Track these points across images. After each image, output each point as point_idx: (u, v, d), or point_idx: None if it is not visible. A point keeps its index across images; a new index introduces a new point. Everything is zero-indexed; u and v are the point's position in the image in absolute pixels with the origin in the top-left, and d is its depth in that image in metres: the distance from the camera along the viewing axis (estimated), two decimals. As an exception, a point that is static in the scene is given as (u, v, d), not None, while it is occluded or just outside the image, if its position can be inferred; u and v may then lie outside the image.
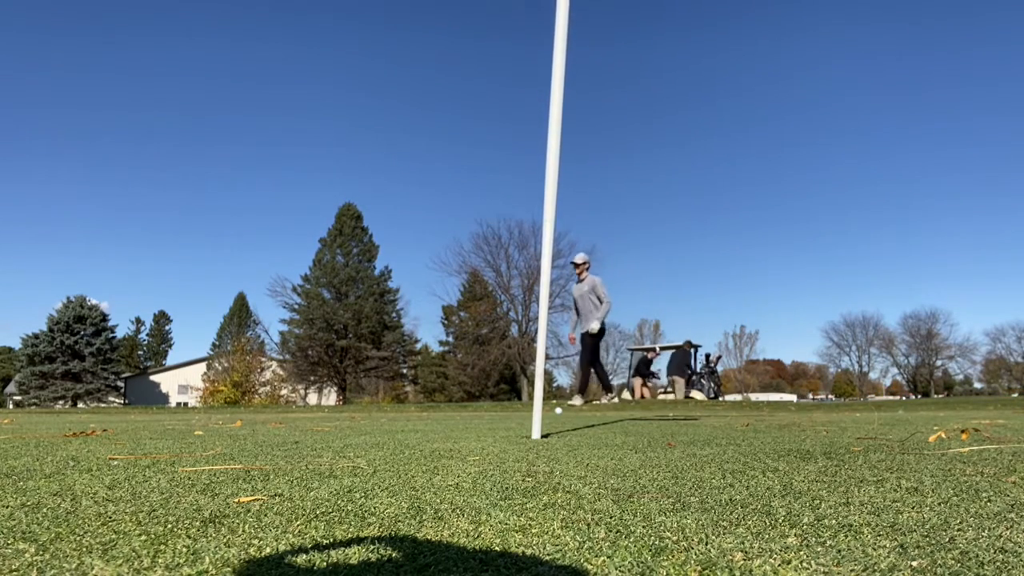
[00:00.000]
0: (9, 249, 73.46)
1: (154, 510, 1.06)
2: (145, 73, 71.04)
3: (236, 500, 1.15)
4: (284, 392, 34.85)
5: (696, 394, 18.90)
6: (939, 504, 1.08)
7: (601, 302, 8.90)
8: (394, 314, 40.60)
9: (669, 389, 20.94)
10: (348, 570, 0.73)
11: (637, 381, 17.21)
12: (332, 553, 0.80)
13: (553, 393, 44.17)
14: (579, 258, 8.98)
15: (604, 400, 9.23)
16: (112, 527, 0.94)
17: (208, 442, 2.40)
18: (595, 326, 8.63)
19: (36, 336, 41.67)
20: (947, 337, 65.49)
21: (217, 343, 62.36)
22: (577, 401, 9.22)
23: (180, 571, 0.73)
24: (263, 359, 35.56)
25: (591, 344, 8.96)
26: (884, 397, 57.09)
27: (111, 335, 44.24)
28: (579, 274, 8.94)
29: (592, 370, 8.92)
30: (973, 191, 78.33)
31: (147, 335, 73.37)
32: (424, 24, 76.91)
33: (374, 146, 75.07)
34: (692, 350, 22.56)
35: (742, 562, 0.75)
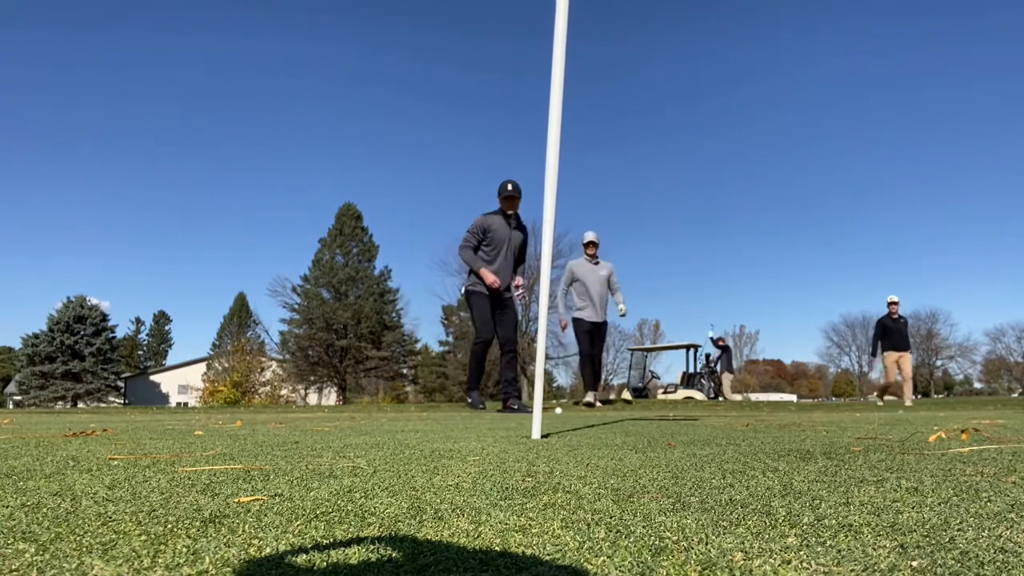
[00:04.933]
0: (9, 249, 73.44)
1: (154, 510, 1.06)
2: (144, 72, 71.00)
3: (236, 500, 1.15)
4: (284, 392, 34.84)
5: (696, 394, 18.86)
6: (939, 504, 1.08)
7: (618, 290, 8.04)
8: (394, 314, 40.62)
9: (670, 389, 20.92)
10: (348, 570, 0.73)
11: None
12: (332, 553, 0.80)
13: (553, 393, 44.16)
14: (595, 236, 7.91)
15: (590, 399, 8.20)
16: (112, 527, 0.94)
17: (208, 442, 2.40)
18: (623, 306, 7.92)
19: (36, 336, 41.68)
20: (947, 337, 65.56)
21: (217, 343, 62.39)
22: (591, 398, 8.09)
23: (180, 571, 0.73)
24: (263, 359, 35.58)
25: (603, 335, 8.13)
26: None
27: (111, 335, 44.26)
28: (591, 252, 7.84)
29: (591, 363, 8.10)
30: (973, 191, 78.34)
31: (147, 335, 73.38)
32: (424, 22, 76.89)
33: (374, 145, 75.12)
34: (691, 350, 22.54)
35: (742, 562, 0.75)
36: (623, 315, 7.94)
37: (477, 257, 6.39)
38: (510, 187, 6.34)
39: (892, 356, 10.53)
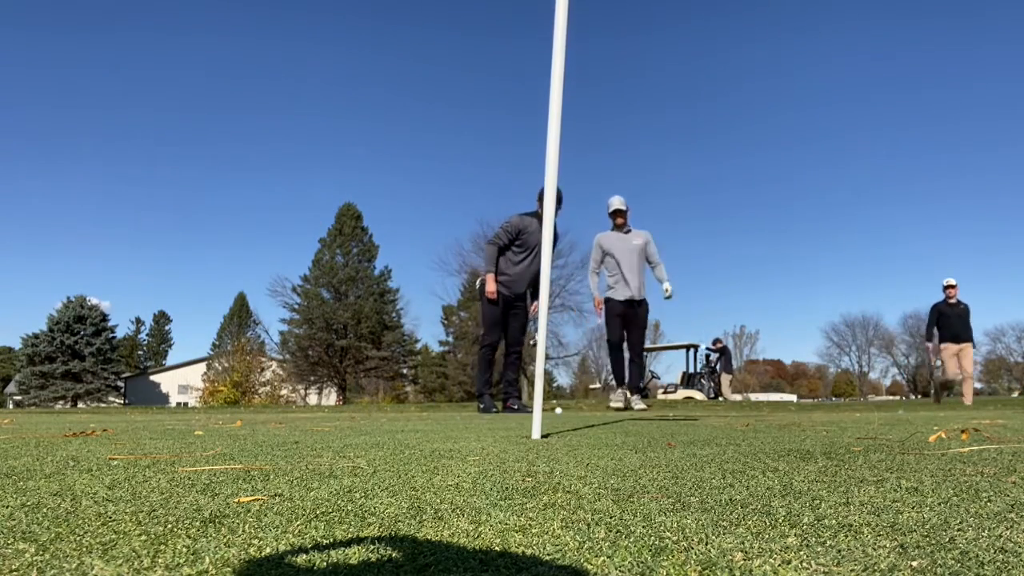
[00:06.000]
0: (9, 249, 73.51)
1: (154, 510, 1.06)
2: (144, 72, 71.06)
3: (236, 500, 1.15)
4: (284, 392, 34.84)
5: (696, 394, 18.87)
6: (939, 504, 1.08)
7: (657, 265, 6.65)
8: (394, 314, 40.63)
9: (670, 389, 20.94)
10: (348, 570, 0.73)
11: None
12: (332, 553, 0.80)
13: (553, 393, 44.17)
14: (622, 202, 6.63)
15: (618, 402, 6.88)
16: (112, 527, 0.94)
17: (208, 442, 2.40)
18: (668, 286, 6.54)
19: (36, 336, 41.69)
20: (947, 337, 65.45)
21: (217, 343, 62.40)
22: (619, 401, 6.87)
23: (180, 571, 0.73)
24: (263, 359, 35.58)
25: (645, 320, 6.72)
26: (884, 397, 57.03)
27: (111, 335, 44.27)
28: (620, 222, 6.63)
29: (622, 354, 6.87)
30: (973, 191, 78.40)
31: (147, 335, 73.39)
32: (424, 22, 76.94)
33: (374, 145, 75.17)
34: (691, 350, 22.56)
35: (742, 562, 0.75)
36: (668, 296, 6.59)
37: (497, 258, 6.21)
38: None
39: (950, 348, 9.06)
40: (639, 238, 6.60)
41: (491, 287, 6.18)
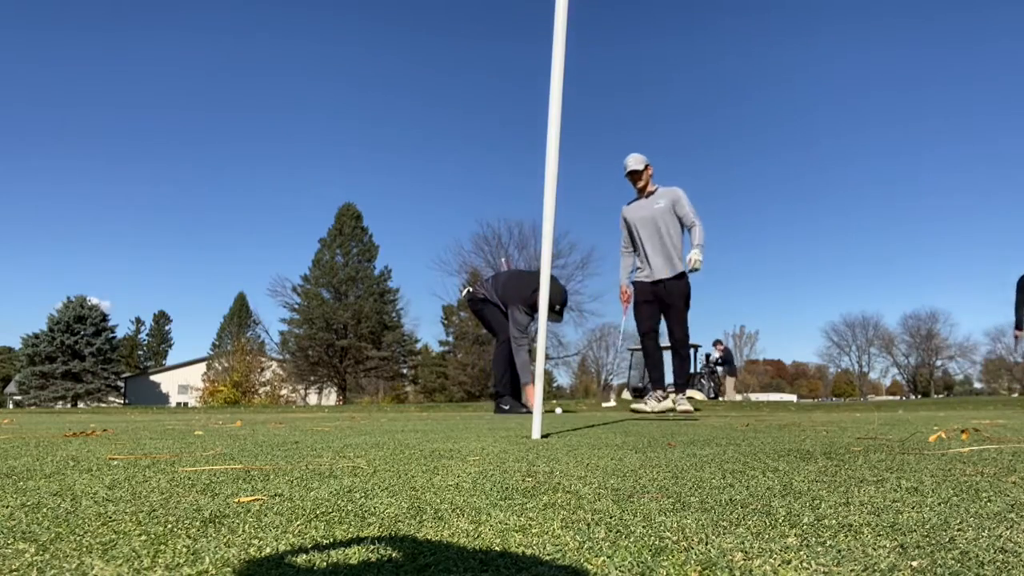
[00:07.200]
0: (9, 249, 73.55)
1: (154, 510, 1.06)
2: (145, 70, 71.11)
3: (236, 500, 1.15)
4: (284, 392, 34.83)
5: (696, 394, 18.91)
6: (939, 504, 1.08)
7: (691, 227, 5.21)
8: (394, 314, 40.64)
9: (670, 389, 20.93)
10: (348, 570, 0.73)
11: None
12: (332, 553, 0.80)
13: (553, 393, 44.18)
14: (638, 161, 5.27)
15: (650, 403, 5.41)
16: (112, 527, 0.94)
17: (208, 442, 2.40)
18: (694, 256, 5.08)
19: (36, 336, 41.70)
20: (947, 337, 65.63)
21: (217, 343, 62.43)
22: (653, 402, 5.38)
23: (180, 571, 0.73)
24: (263, 359, 35.56)
25: (685, 295, 5.27)
26: (883, 397, 57.04)
27: (111, 335, 44.28)
28: (640, 185, 5.31)
29: (679, 344, 5.36)
30: (973, 190, 78.42)
31: (147, 335, 73.44)
32: (425, 23, 76.99)
33: (374, 146, 75.21)
34: (691, 350, 22.64)
35: (742, 562, 0.75)
36: (694, 268, 5.15)
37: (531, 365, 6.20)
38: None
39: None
40: (663, 199, 5.26)
41: (531, 399, 5.34)
